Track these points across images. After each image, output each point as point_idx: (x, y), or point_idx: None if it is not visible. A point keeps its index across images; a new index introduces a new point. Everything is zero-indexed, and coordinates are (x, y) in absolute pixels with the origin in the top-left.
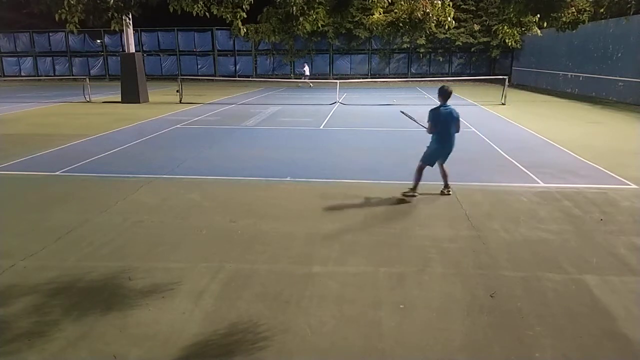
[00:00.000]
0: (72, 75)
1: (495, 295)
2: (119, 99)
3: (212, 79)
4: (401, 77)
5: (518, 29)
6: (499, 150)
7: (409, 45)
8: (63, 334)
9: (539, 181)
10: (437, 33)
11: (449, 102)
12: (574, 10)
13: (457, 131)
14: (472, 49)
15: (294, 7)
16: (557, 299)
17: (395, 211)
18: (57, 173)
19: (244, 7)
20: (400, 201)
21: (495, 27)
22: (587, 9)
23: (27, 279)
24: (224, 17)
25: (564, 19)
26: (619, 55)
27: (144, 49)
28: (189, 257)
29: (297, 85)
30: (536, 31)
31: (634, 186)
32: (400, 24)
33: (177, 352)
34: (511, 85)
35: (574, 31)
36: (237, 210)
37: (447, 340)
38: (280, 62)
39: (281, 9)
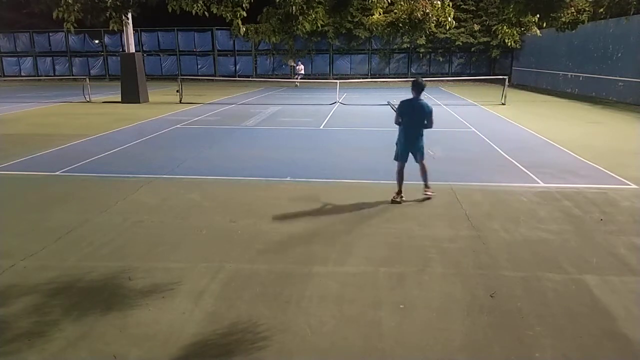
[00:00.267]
0: (72, 75)
1: (495, 295)
2: (119, 99)
3: (212, 79)
4: (401, 77)
5: (517, 29)
6: (499, 150)
7: (409, 45)
8: (63, 334)
9: (539, 181)
10: (437, 33)
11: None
12: (573, 11)
13: (430, 126)
14: (472, 49)
15: (294, 7)
16: (557, 299)
17: (395, 211)
18: (57, 173)
19: (244, 5)
20: (400, 201)
21: (495, 27)
22: (587, 9)
23: (27, 279)
24: (223, 16)
25: (563, 19)
26: (619, 55)
27: (144, 49)
28: (189, 257)
29: (296, 85)
30: (535, 31)
31: (634, 186)
32: (400, 25)
33: (177, 352)
34: (511, 85)
35: (573, 31)
36: (237, 210)
37: (447, 340)
38: (280, 62)
39: (281, 9)
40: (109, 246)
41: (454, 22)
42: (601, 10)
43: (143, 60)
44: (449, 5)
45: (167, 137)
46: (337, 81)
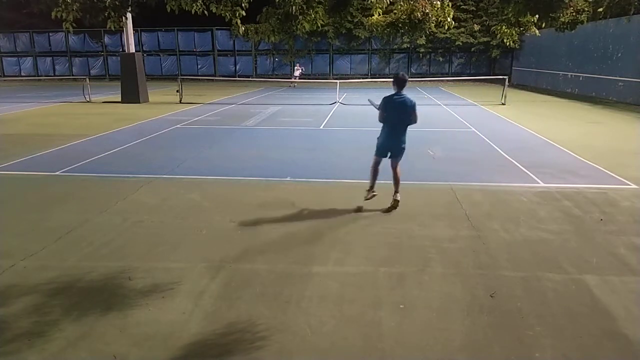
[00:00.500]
0: (72, 75)
1: (495, 295)
2: (119, 99)
3: (212, 79)
4: None
5: (516, 29)
6: (499, 150)
7: (409, 45)
8: (63, 334)
9: (539, 181)
10: (437, 33)
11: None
12: (572, 11)
13: (414, 122)
14: (472, 49)
15: (294, 7)
16: (557, 299)
17: (395, 211)
18: (57, 173)
19: (243, 4)
20: (401, 201)
21: (494, 27)
22: (586, 9)
23: (27, 279)
24: (222, 15)
25: (562, 19)
26: (619, 55)
27: (144, 49)
28: (189, 257)
29: (293, 85)
30: (534, 31)
31: (634, 186)
32: (400, 25)
33: (177, 352)
34: (511, 85)
35: (572, 31)
36: (237, 210)
37: (447, 340)
38: (281, 62)
39: (280, 9)
40: (109, 246)
41: (453, 22)
42: (601, 10)
43: (143, 60)
44: (448, 5)
45: (167, 137)
46: (337, 81)
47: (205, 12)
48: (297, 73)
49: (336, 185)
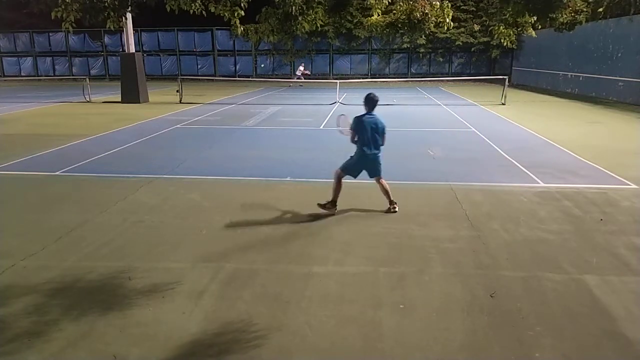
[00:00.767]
0: (72, 75)
1: (495, 295)
2: (119, 99)
3: (212, 79)
4: (401, 77)
5: (514, 30)
6: (499, 150)
7: (409, 45)
8: (63, 333)
9: (539, 181)
10: (437, 33)
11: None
12: (571, 11)
13: (382, 144)
14: (472, 49)
15: (293, 7)
16: (557, 299)
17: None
18: (57, 173)
19: (242, 4)
20: (400, 201)
21: (491, 27)
22: (584, 10)
23: (27, 279)
24: (221, 15)
25: (561, 20)
26: (619, 55)
27: (144, 49)
28: (189, 257)
29: (296, 84)
30: (531, 32)
31: (634, 186)
32: (399, 25)
33: (177, 352)
34: (511, 85)
35: (571, 32)
36: (237, 210)
37: (447, 340)
38: (281, 62)
39: (280, 9)
40: (109, 246)
41: (452, 22)
42: (601, 10)
43: (143, 60)
44: (447, 6)
45: (167, 137)
46: (337, 81)
47: (204, 12)
48: (298, 73)
49: None
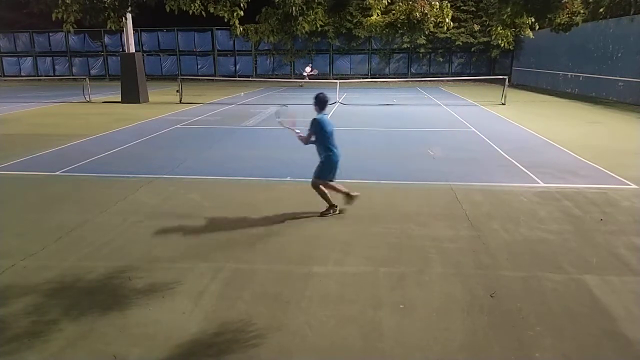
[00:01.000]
0: (72, 75)
1: (495, 295)
2: (119, 99)
3: (212, 79)
4: (401, 77)
5: (511, 31)
6: (499, 150)
7: (409, 45)
8: (63, 334)
9: (539, 181)
10: (437, 33)
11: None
12: (568, 12)
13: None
14: (472, 49)
15: (294, 8)
16: (557, 299)
17: (395, 211)
18: (57, 173)
19: (241, 5)
20: (400, 201)
21: (489, 27)
22: (581, 11)
23: (27, 279)
24: (221, 15)
25: (558, 21)
26: (619, 55)
27: (144, 49)
28: (189, 257)
29: (305, 84)
30: (529, 34)
31: (634, 186)
32: (399, 25)
33: (177, 352)
34: (511, 85)
35: (567, 33)
36: (237, 210)
37: (447, 340)
38: (281, 62)
39: (280, 9)
40: (109, 246)
41: (451, 22)
42: (602, 10)
43: (143, 60)
44: (447, 6)
45: (167, 137)
46: (337, 81)
47: (203, 13)
48: (305, 73)
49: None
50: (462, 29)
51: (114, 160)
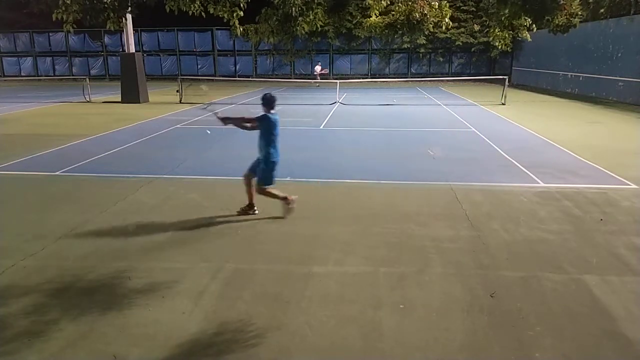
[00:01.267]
0: (72, 75)
1: (495, 295)
2: (119, 99)
3: (212, 79)
4: (401, 77)
5: (509, 32)
6: (499, 150)
7: (409, 46)
8: (63, 333)
9: (539, 181)
10: (437, 33)
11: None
12: (566, 14)
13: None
14: (472, 49)
15: (293, 8)
16: (557, 299)
17: (395, 211)
18: (57, 173)
19: (241, 5)
20: (400, 201)
21: (487, 28)
22: (579, 13)
23: (27, 279)
24: (220, 15)
25: (556, 22)
26: (619, 55)
27: (144, 49)
28: (189, 257)
29: (316, 84)
30: (526, 35)
31: (634, 186)
32: (398, 26)
33: (177, 351)
34: (511, 85)
35: (565, 34)
36: (236, 210)
37: (447, 340)
38: (281, 62)
39: (280, 10)
40: (109, 246)
41: (450, 22)
42: (602, 10)
43: (143, 60)
44: (445, 5)
45: (167, 137)
46: (337, 81)
47: (203, 13)
48: (316, 72)
49: (336, 185)
50: (462, 29)
51: (114, 160)
